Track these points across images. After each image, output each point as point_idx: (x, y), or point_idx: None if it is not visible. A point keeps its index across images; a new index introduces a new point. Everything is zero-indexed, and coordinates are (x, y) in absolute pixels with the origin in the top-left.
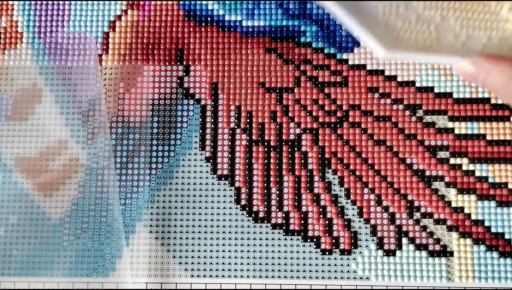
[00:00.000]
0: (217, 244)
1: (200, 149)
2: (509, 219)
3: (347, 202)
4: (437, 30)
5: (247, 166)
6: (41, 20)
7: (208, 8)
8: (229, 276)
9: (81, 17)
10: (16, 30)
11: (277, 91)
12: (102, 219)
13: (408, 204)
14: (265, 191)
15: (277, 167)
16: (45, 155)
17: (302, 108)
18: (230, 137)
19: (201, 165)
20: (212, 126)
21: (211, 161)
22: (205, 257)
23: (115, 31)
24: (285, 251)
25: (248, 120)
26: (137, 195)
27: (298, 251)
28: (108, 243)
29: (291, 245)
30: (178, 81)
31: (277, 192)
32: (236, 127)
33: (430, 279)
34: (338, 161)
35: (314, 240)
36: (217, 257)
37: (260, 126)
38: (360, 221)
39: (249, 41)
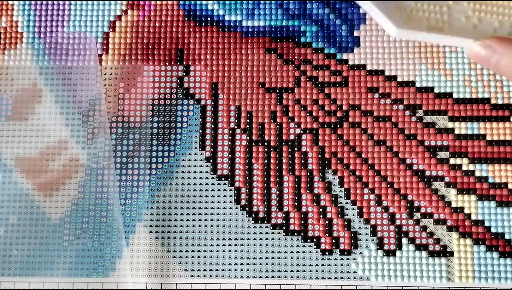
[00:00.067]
0: (217, 244)
1: (200, 149)
2: (509, 219)
3: (347, 202)
4: (449, 11)
5: (247, 166)
6: (41, 20)
7: (208, 8)
8: (229, 276)
9: (81, 17)
10: (16, 30)
11: (277, 91)
12: (102, 219)
13: (408, 204)
14: (265, 191)
15: (277, 167)
16: (45, 155)
17: (302, 108)
18: (230, 137)
19: (201, 165)
20: (212, 126)
21: (211, 161)
22: (205, 257)
23: (115, 31)
24: (285, 251)
25: (248, 120)
26: (137, 195)
27: (298, 251)
28: (108, 243)
29: (291, 245)
30: (178, 81)
31: (277, 192)
32: (236, 127)
33: (430, 279)
34: (338, 161)
35: (314, 240)
36: (217, 257)
37: (260, 126)
38: (360, 221)
39: (249, 41)
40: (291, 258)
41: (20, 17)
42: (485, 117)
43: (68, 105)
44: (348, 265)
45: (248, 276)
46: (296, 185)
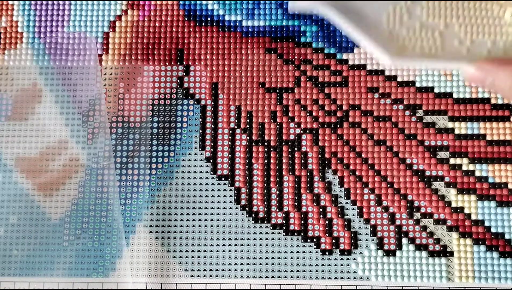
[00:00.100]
0: (217, 244)
1: (200, 149)
2: (509, 219)
3: (347, 202)
4: (442, 36)
5: (247, 166)
6: (41, 20)
7: (208, 8)
8: (229, 276)
9: (81, 17)
10: (16, 30)
11: (277, 91)
12: (102, 219)
13: (408, 204)
14: (265, 191)
15: (277, 167)
16: (45, 155)
17: (302, 108)
18: (230, 137)
19: (201, 165)
20: (212, 126)
21: (211, 161)
22: (205, 257)
23: (115, 31)
24: (285, 251)
25: (248, 120)
26: (137, 195)
27: (298, 251)
28: (108, 243)
29: (291, 245)
30: (178, 81)
31: (277, 192)
32: (236, 127)
33: (430, 279)
34: (338, 161)
35: (314, 240)
36: (217, 257)
37: (260, 126)
38: (360, 221)
39: (249, 41)
40: (291, 258)
41: (20, 17)
42: (485, 117)
43: (68, 105)
44: (348, 265)
45: (248, 276)
46: (296, 185)
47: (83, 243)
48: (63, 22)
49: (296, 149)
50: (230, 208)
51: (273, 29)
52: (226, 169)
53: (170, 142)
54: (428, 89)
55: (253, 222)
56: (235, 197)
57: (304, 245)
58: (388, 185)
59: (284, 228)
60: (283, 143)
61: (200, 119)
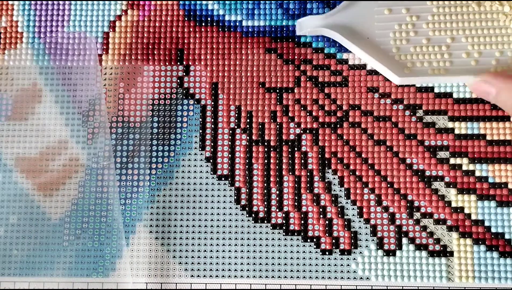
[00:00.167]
0: (217, 244)
1: (200, 149)
2: (509, 219)
3: (347, 202)
4: (449, 50)
5: (247, 166)
6: (41, 20)
7: (208, 8)
8: (229, 276)
9: (81, 17)
10: (16, 30)
11: (277, 91)
12: (102, 219)
13: (408, 204)
14: (265, 191)
15: (277, 167)
16: (45, 155)
17: (302, 108)
18: (230, 137)
19: (201, 165)
20: (212, 126)
21: (211, 161)
22: (205, 257)
23: (115, 31)
24: (285, 251)
25: (248, 120)
26: (137, 195)
27: (298, 251)
28: (108, 243)
29: (291, 245)
30: (178, 81)
31: (277, 192)
32: (236, 127)
33: (430, 279)
34: (338, 161)
35: (314, 240)
36: (217, 257)
37: (260, 126)
38: (360, 221)
39: (249, 41)
40: (291, 258)
41: (20, 17)
42: (485, 117)
43: (68, 105)
44: (348, 265)
45: (248, 276)
46: (296, 185)
47: (83, 243)
48: (63, 22)
49: (296, 149)
50: (230, 208)
51: (273, 29)
52: (226, 169)
53: (170, 142)
54: (428, 89)
55: (253, 222)
56: (235, 197)
57: (304, 245)
58: (388, 185)
59: (284, 228)
60: (283, 143)
61: (200, 119)
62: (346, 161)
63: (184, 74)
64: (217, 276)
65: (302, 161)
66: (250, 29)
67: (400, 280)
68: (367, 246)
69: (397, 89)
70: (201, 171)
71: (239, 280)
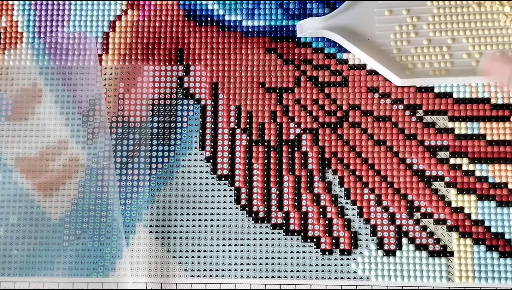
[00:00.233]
0: (217, 244)
1: (200, 149)
2: (509, 219)
3: (347, 202)
4: (450, 51)
5: (247, 166)
6: (41, 20)
7: (208, 8)
8: (229, 276)
9: (81, 17)
10: (16, 30)
11: (277, 91)
12: (102, 219)
13: (408, 204)
14: (265, 191)
15: (277, 167)
16: (45, 155)
17: (302, 108)
18: (230, 137)
19: (201, 165)
20: (212, 126)
21: (211, 161)
22: (205, 257)
23: (115, 31)
24: (285, 251)
25: (248, 120)
26: (137, 195)
27: (298, 251)
28: (108, 243)
29: (291, 245)
30: (178, 81)
31: (277, 192)
32: (236, 127)
33: (430, 279)
34: (338, 161)
35: (314, 240)
36: (217, 257)
37: (260, 126)
38: (360, 221)
39: (249, 41)
40: (291, 258)
41: (20, 17)
42: (485, 117)
43: (68, 105)
44: (348, 265)
45: (248, 276)
46: (296, 185)
47: (83, 243)
48: (63, 22)
49: (296, 149)
50: (230, 208)
51: (273, 29)
52: (226, 169)
53: (170, 142)
54: (428, 89)
55: (253, 222)
56: (235, 197)
57: (304, 245)
58: (388, 185)
59: (284, 228)
60: (283, 143)
61: (200, 119)
62: (346, 161)
63: (184, 74)
64: (217, 276)
65: (302, 161)
66: (250, 29)
67: (400, 280)
68: (367, 246)
69: (397, 89)
70: (201, 171)
71: (239, 280)
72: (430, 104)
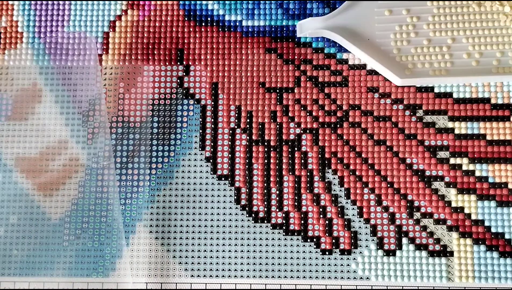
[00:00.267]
0: (217, 244)
1: (200, 149)
2: (509, 219)
3: (347, 202)
4: (450, 51)
5: (247, 166)
6: (41, 20)
7: (208, 8)
8: (229, 276)
9: (81, 17)
10: (16, 30)
11: (277, 91)
12: (102, 219)
13: (408, 204)
14: (265, 191)
15: (277, 167)
16: (45, 155)
17: (302, 108)
18: (230, 137)
19: (201, 165)
20: (212, 126)
21: (211, 161)
22: (205, 257)
23: (115, 31)
24: (285, 251)
25: (248, 120)
26: (137, 195)
27: (298, 251)
28: (108, 243)
29: (291, 245)
30: (178, 81)
31: (277, 192)
32: (236, 127)
33: (430, 279)
34: (338, 161)
35: (314, 240)
36: (217, 257)
37: (260, 126)
38: (360, 221)
39: (249, 41)
40: (291, 258)
41: (20, 17)
42: (485, 117)
43: (68, 105)
44: (348, 265)
45: (248, 276)
46: (296, 185)
47: (83, 243)
48: (63, 22)
49: (296, 149)
50: (230, 208)
51: (273, 29)
52: (226, 169)
53: (170, 142)
54: (428, 89)
55: (253, 222)
56: (235, 197)
57: (304, 245)
58: (388, 185)
59: (284, 228)
60: (283, 143)
61: (200, 119)
62: (346, 161)
63: (184, 74)
64: (217, 276)
65: (302, 161)
66: (250, 29)
67: (400, 280)
68: (367, 246)
69: (397, 89)
70: (201, 171)
71: (239, 280)
72: (430, 104)
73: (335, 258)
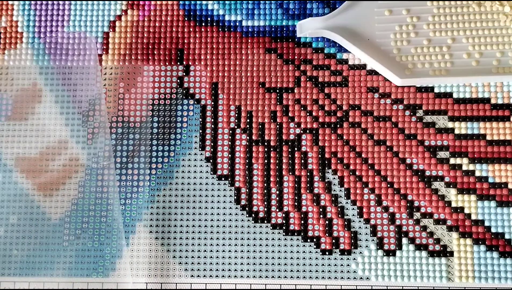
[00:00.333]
0: (217, 244)
1: (200, 149)
2: (509, 219)
3: (347, 202)
4: (450, 51)
5: (247, 166)
6: (41, 20)
7: (208, 8)
8: (229, 276)
9: (81, 17)
10: (16, 30)
11: (277, 91)
12: (102, 219)
13: (408, 204)
14: (265, 191)
15: (277, 167)
16: (45, 155)
17: (302, 108)
18: (230, 137)
19: (201, 165)
20: (212, 126)
21: (211, 161)
22: (205, 257)
23: (115, 31)
24: (285, 251)
25: (248, 120)
26: (137, 195)
27: (298, 251)
28: (108, 243)
29: (291, 245)
30: (178, 81)
31: (277, 192)
32: (236, 127)
33: (430, 279)
34: (338, 161)
35: (314, 240)
36: (217, 257)
37: (260, 126)
38: (360, 221)
39: (249, 41)
40: (291, 258)
41: (20, 17)
42: (485, 117)
43: (68, 105)
44: (348, 265)
45: (248, 276)
46: (296, 185)
47: (83, 243)
48: (63, 22)
49: (296, 149)
50: (230, 208)
51: (273, 29)
52: (226, 169)
53: (170, 142)
54: (428, 89)
55: (253, 222)
56: (235, 197)
57: (304, 245)
58: (388, 185)
59: (284, 228)
60: (283, 143)
61: (200, 119)
62: (346, 161)
63: (184, 74)
64: (217, 276)
65: (302, 161)
66: (250, 29)
67: (400, 280)
68: (367, 246)
69: (397, 89)
70: (201, 171)
71: (239, 280)
72: (430, 104)
73: (335, 258)
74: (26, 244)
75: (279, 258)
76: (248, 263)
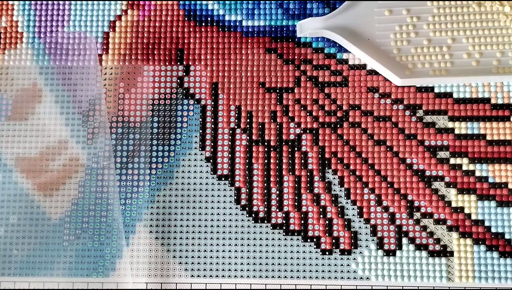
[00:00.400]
0: (217, 244)
1: (200, 149)
2: (509, 219)
3: (347, 202)
4: (450, 51)
5: (247, 166)
6: (41, 20)
7: (208, 8)
8: (229, 276)
9: (81, 17)
10: (16, 30)
11: (277, 91)
12: (102, 219)
13: (408, 204)
14: (265, 191)
15: (277, 167)
16: (45, 155)
17: (302, 108)
18: (230, 137)
19: (201, 165)
20: (212, 126)
21: (211, 161)
22: (205, 257)
23: (115, 31)
24: (285, 251)
25: (248, 120)
26: (137, 195)
27: (298, 251)
28: (108, 243)
29: (291, 245)
30: (178, 81)
31: (277, 192)
32: (236, 127)
33: (430, 279)
34: (338, 161)
35: (314, 240)
36: (217, 257)
37: (260, 126)
38: (360, 221)
39: (249, 41)
40: (291, 258)
41: (20, 17)
42: (485, 117)
43: (68, 105)
44: (348, 265)
45: (248, 276)
46: (296, 185)
47: (83, 243)
48: (63, 22)
49: (296, 149)
50: (230, 208)
51: (273, 29)
52: (226, 169)
53: (170, 142)
54: (428, 89)
55: (253, 222)
56: (235, 197)
57: (304, 245)
58: (388, 185)
59: (284, 228)
60: (283, 143)
61: (200, 119)
62: (346, 161)
63: (184, 74)
64: (217, 276)
65: (302, 161)
66: (250, 29)
67: (400, 280)
68: (367, 246)
69: (397, 89)
70: (201, 171)
71: (239, 280)
72: (430, 104)
73: (335, 258)
74: (26, 244)
75: (279, 258)
76: (248, 263)
